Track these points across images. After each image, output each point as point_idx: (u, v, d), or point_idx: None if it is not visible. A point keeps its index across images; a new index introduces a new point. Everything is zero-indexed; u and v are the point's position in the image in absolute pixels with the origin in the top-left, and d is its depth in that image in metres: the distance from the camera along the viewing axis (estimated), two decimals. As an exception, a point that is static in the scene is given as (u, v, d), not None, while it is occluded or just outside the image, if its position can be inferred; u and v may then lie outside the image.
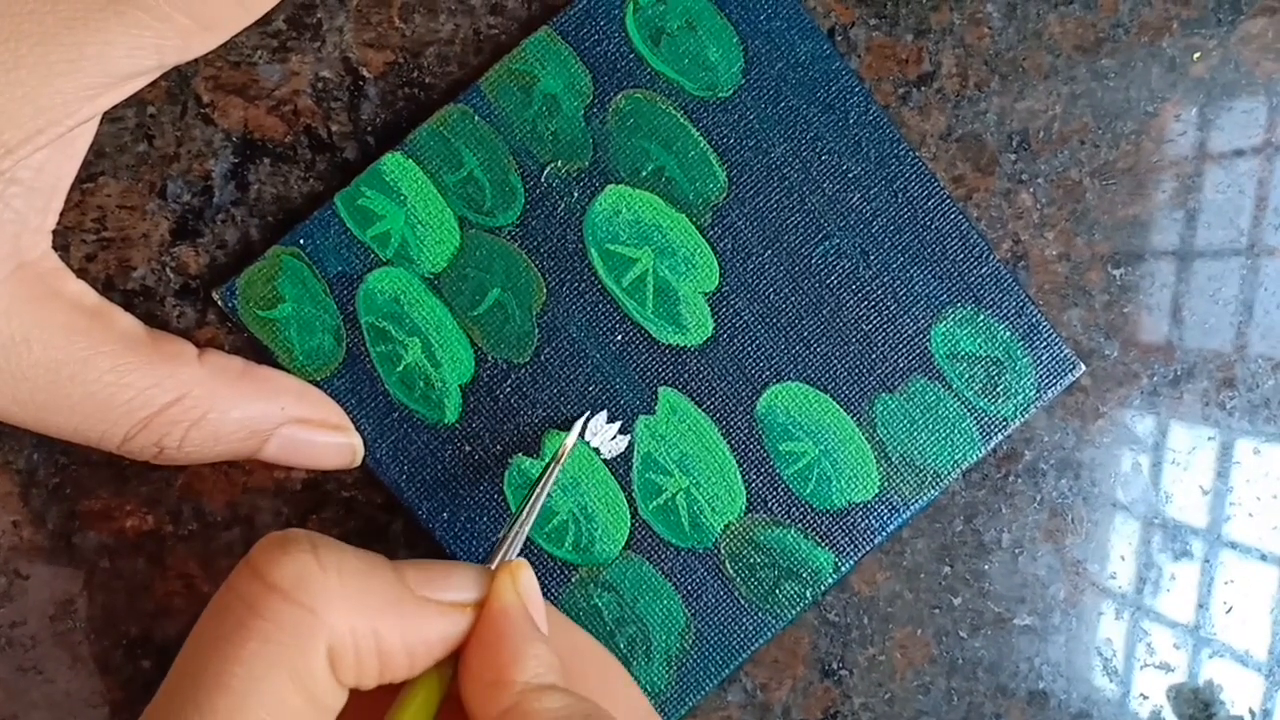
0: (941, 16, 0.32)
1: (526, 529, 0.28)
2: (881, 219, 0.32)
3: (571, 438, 0.30)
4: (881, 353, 0.32)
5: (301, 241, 0.31)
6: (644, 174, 0.32)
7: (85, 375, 0.27)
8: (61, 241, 0.31)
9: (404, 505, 0.32)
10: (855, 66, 0.32)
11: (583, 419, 0.31)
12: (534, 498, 0.28)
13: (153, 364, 0.28)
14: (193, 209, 0.32)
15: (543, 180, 0.32)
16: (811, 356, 0.32)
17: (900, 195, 0.32)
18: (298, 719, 0.23)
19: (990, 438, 0.32)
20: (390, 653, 0.24)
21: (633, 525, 0.32)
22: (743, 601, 0.32)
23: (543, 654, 0.24)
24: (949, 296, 0.32)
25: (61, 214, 0.28)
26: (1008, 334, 0.32)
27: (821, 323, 0.32)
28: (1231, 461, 0.33)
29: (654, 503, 0.32)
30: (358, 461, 0.31)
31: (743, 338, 0.32)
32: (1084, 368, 0.32)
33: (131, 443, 0.28)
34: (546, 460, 0.31)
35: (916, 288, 0.32)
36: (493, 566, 0.26)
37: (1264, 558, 0.33)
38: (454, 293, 0.32)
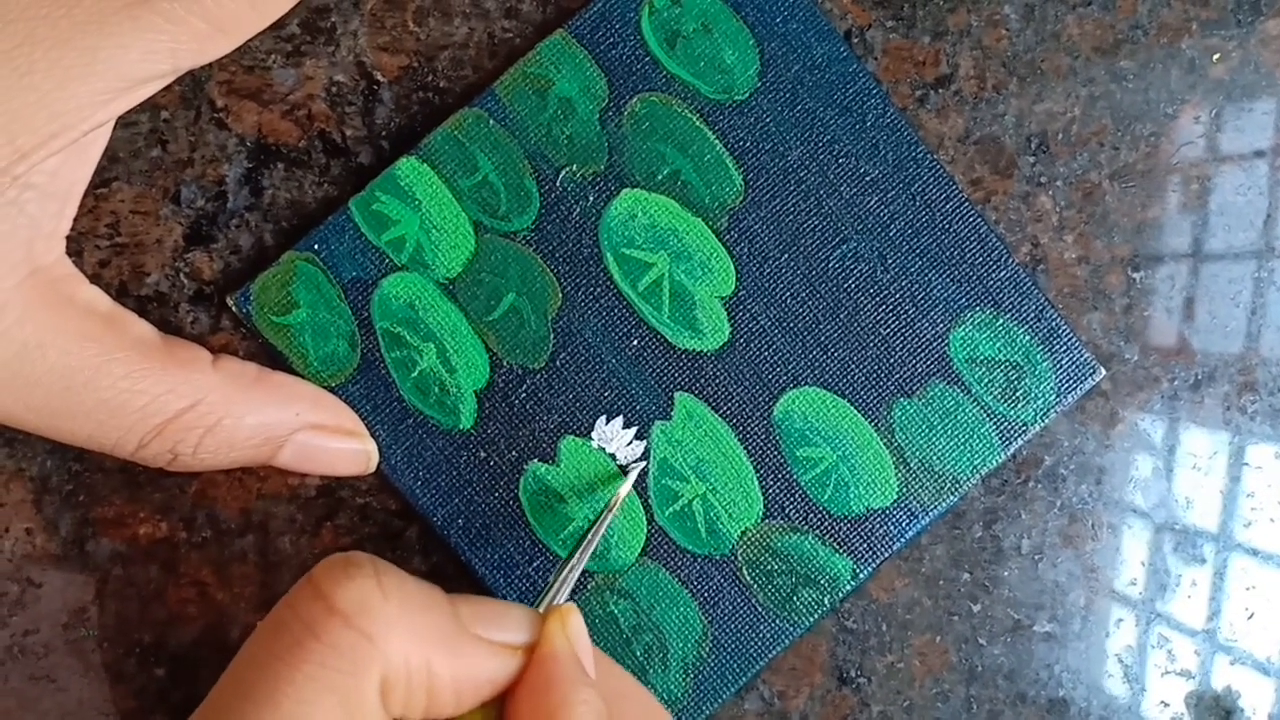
0: (959, 18, 0.32)
1: (576, 574, 0.28)
2: (899, 222, 0.32)
3: (625, 487, 0.30)
4: (900, 357, 0.32)
5: (316, 247, 0.31)
6: (660, 178, 0.31)
7: (99, 381, 0.27)
8: (75, 247, 0.31)
9: (419, 511, 0.31)
10: (872, 69, 0.32)
11: (637, 470, 0.31)
12: (585, 544, 0.28)
13: (167, 370, 0.28)
14: (207, 214, 0.31)
15: (558, 184, 0.31)
16: (829, 361, 0.32)
17: (918, 198, 0.32)
18: None
19: (1010, 443, 0.32)
20: (440, 689, 0.24)
21: (649, 531, 0.32)
22: (760, 609, 0.32)
23: (591, 699, 0.24)
24: (968, 300, 0.32)
25: (75, 219, 0.28)
26: (1027, 338, 0.32)
27: (839, 327, 0.32)
28: (1253, 466, 0.33)
29: (670, 509, 0.32)
30: (372, 468, 0.31)
31: (759, 342, 0.32)
32: (1104, 372, 0.32)
33: (145, 449, 0.28)
34: (600, 511, 0.31)
35: (935, 292, 0.32)
36: (541, 609, 0.26)
37: (1285, 563, 0.33)
38: (469, 298, 0.31)
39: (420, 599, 0.24)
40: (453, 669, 0.24)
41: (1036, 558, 0.33)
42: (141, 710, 0.32)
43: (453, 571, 0.32)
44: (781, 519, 0.32)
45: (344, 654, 0.22)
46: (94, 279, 0.29)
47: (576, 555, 0.28)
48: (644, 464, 0.31)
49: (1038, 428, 0.32)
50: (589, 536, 0.29)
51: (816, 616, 0.32)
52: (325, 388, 0.31)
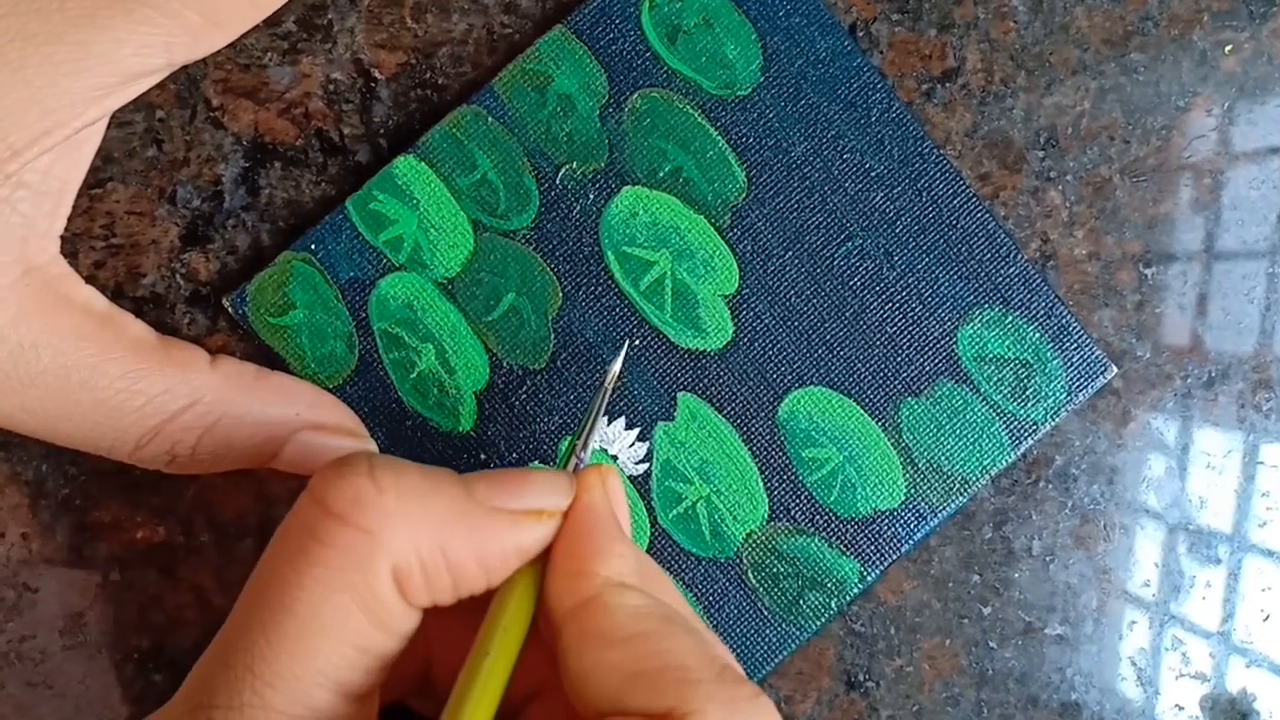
0: (965, 11, 0.31)
1: (596, 439, 0.28)
2: (905, 219, 0.31)
3: (616, 365, 0.30)
4: (907, 356, 0.31)
5: (313, 247, 0.31)
6: (661, 175, 0.31)
7: (95, 382, 0.27)
8: (70, 248, 0.31)
9: (419, 514, 0.31)
10: (877, 63, 0.31)
11: (622, 352, 0.30)
12: (591, 424, 0.28)
13: (164, 370, 0.27)
14: (203, 214, 0.31)
15: (558, 182, 0.31)
16: (834, 360, 0.31)
17: (925, 194, 0.31)
18: (363, 641, 0.23)
19: (1020, 442, 0.31)
20: (461, 566, 0.24)
21: (652, 534, 0.31)
22: (766, 612, 0.31)
23: (627, 554, 0.24)
24: (976, 298, 0.31)
25: (70, 220, 0.28)
26: (1037, 335, 0.31)
27: (844, 325, 0.31)
28: (1268, 465, 0.32)
29: (674, 511, 0.31)
30: (372, 469, 0.31)
31: (764, 341, 0.31)
32: (1115, 370, 0.31)
33: (143, 451, 0.28)
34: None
35: (942, 289, 0.31)
36: (570, 470, 0.26)
37: (1302, 564, 0.33)
38: (468, 298, 0.31)
39: (421, 485, 0.23)
40: (470, 545, 0.23)
41: (1048, 559, 0.32)
42: (139, 716, 0.32)
43: (453, 575, 0.32)
44: (787, 521, 0.31)
45: (347, 552, 0.22)
46: (89, 280, 0.29)
47: (591, 420, 0.28)
48: (627, 343, 0.31)
49: (1048, 427, 0.31)
50: (591, 418, 0.28)
51: (824, 620, 0.31)
52: (323, 389, 0.30)
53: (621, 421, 0.31)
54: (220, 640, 0.23)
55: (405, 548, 0.23)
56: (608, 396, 0.29)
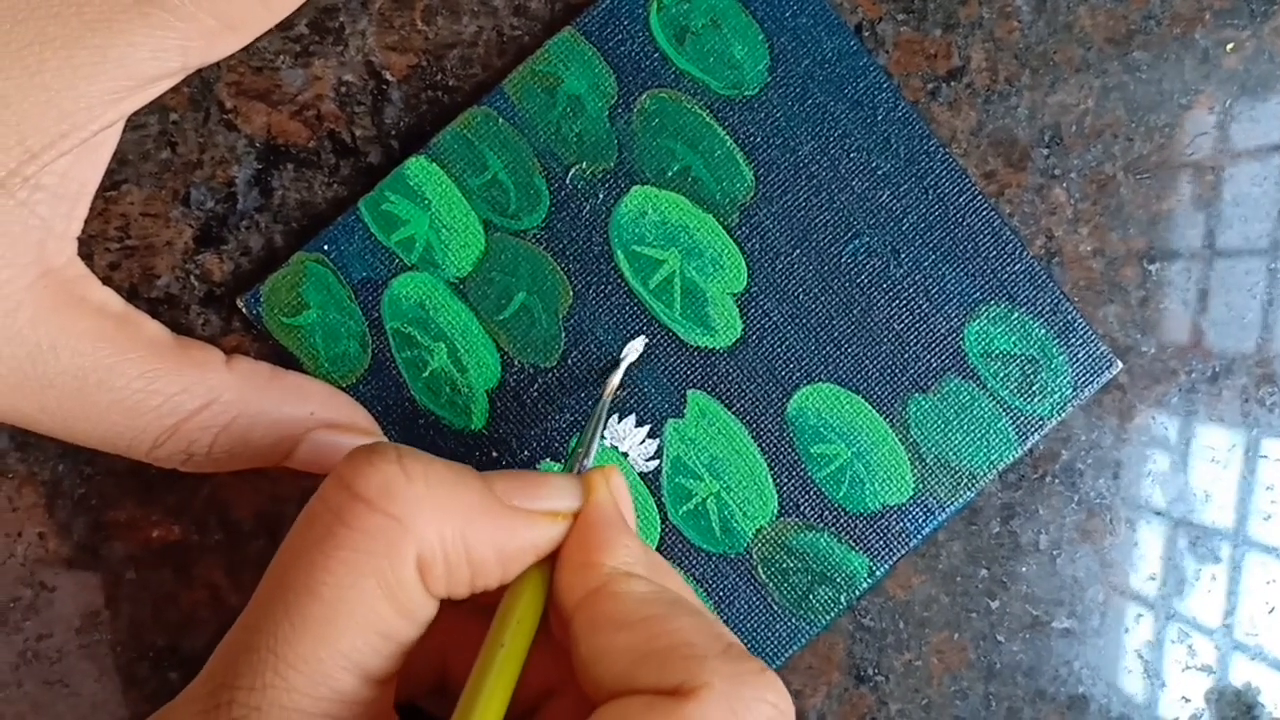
0: (970, 10, 0.32)
1: (598, 441, 0.28)
2: (912, 216, 0.31)
3: (616, 376, 0.30)
4: (914, 352, 0.31)
5: (325, 247, 0.31)
6: (670, 174, 0.31)
7: (112, 382, 0.27)
8: (85, 250, 0.31)
9: (432, 512, 0.31)
10: (883, 62, 0.32)
11: (631, 356, 0.31)
12: (593, 433, 0.29)
13: (180, 370, 0.28)
14: (216, 216, 0.31)
15: (568, 182, 0.31)
16: (842, 357, 0.31)
17: (931, 192, 0.31)
18: (386, 626, 0.23)
19: (1026, 437, 0.31)
20: (481, 561, 0.24)
21: (663, 530, 0.31)
22: (776, 607, 0.31)
23: (632, 545, 0.25)
24: (982, 294, 0.31)
25: (86, 222, 0.28)
26: (1043, 332, 0.31)
27: (852, 322, 0.31)
28: (1271, 459, 0.33)
29: (684, 508, 0.31)
30: (385, 468, 0.31)
31: (772, 339, 0.31)
32: (1120, 365, 0.32)
33: (160, 450, 0.28)
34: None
35: (949, 286, 0.31)
36: (576, 472, 0.27)
37: (1306, 558, 0.33)
38: (479, 297, 0.31)
39: (448, 477, 0.24)
40: (492, 540, 0.24)
41: (1054, 553, 0.32)
42: (155, 714, 0.32)
43: (466, 572, 0.32)
44: (796, 516, 0.31)
45: (375, 538, 0.23)
46: (105, 282, 0.29)
47: (595, 423, 0.29)
48: (640, 341, 0.31)
49: (1054, 422, 0.31)
50: (593, 426, 0.29)
51: (833, 615, 0.31)
52: (337, 388, 0.31)
53: (632, 419, 0.31)
54: (243, 623, 0.23)
55: (431, 536, 0.23)
56: (607, 408, 0.30)
